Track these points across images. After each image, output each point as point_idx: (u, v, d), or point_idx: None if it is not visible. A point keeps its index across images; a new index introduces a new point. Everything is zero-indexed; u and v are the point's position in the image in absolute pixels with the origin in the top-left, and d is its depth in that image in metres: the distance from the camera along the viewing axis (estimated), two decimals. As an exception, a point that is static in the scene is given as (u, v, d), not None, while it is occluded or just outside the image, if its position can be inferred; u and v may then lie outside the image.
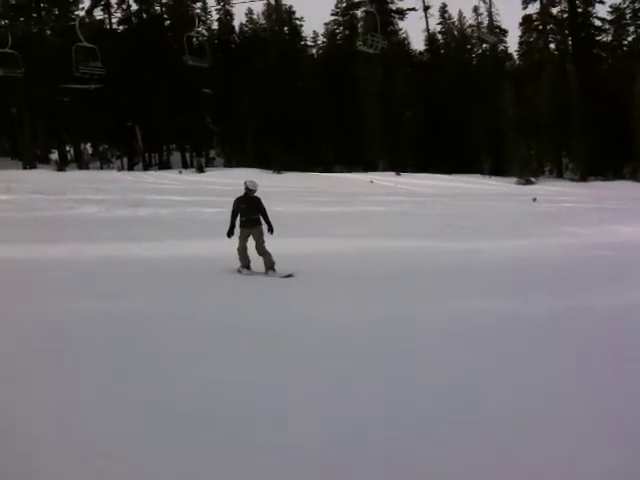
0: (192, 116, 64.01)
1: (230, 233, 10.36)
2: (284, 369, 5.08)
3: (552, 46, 65.85)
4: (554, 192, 38.50)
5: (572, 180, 54.45)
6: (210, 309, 7.26)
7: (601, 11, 64.63)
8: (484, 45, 70.51)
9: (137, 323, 6.42)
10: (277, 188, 30.50)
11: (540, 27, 64.72)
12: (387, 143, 58.55)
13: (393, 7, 66.91)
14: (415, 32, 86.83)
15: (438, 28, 72.25)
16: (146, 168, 62.09)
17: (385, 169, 55.90)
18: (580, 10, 64.13)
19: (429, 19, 70.44)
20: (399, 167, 54.49)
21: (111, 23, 67.39)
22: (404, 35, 69.24)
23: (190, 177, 47.58)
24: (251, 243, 10.23)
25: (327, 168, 58.34)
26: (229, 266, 10.22)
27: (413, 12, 68.33)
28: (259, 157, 59.65)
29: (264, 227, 10.30)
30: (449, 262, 11.53)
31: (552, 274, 10.31)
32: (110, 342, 5.73)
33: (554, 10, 64.45)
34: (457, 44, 70.65)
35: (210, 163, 67.16)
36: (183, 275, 9.75)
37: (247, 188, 10.44)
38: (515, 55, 71.56)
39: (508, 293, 8.52)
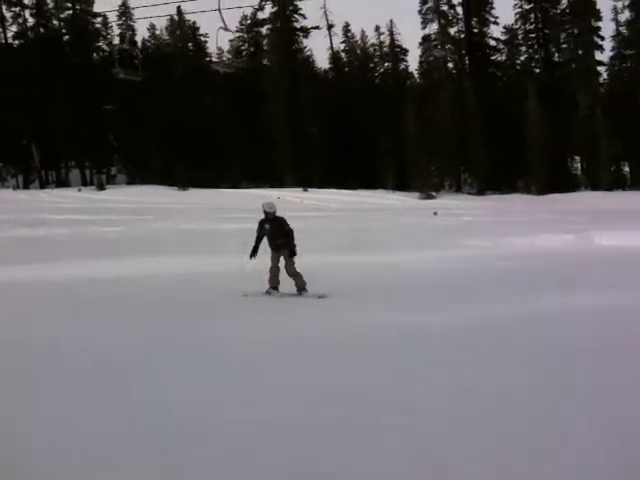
0: (93, 132, 61.94)
1: (252, 255, 9.73)
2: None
3: (450, 65, 68.71)
4: (454, 206, 39.88)
5: (470, 194, 56.77)
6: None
7: (495, 32, 68.29)
8: (385, 64, 72.65)
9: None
10: (182, 205, 29.88)
11: (439, 46, 67.32)
12: (294, 159, 58.96)
13: (297, 25, 67.68)
14: (320, 50, 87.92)
15: (342, 47, 73.79)
16: (43, 186, 59.51)
17: (292, 185, 56.20)
18: (476, 30, 67.34)
19: (333, 38, 71.75)
20: (306, 183, 54.89)
21: (6, 38, 64.37)
22: (309, 53, 70.20)
23: (90, 195, 45.91)
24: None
25: (234, 184, 57.98)
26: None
27: (317, 30, 69.36)
28: (164, 174, 58.47)
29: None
30: (358, 276, 11.52)
31: (453, 285, 10.50)
32: None
33: (452, 30, 67.42)
34: (360, 63, 72.37)
35: (111, 180, 65.18)
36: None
37: (264, 211, 9.64)
38: (416, 74, 74.08)
39: (417, 305, 8.57)
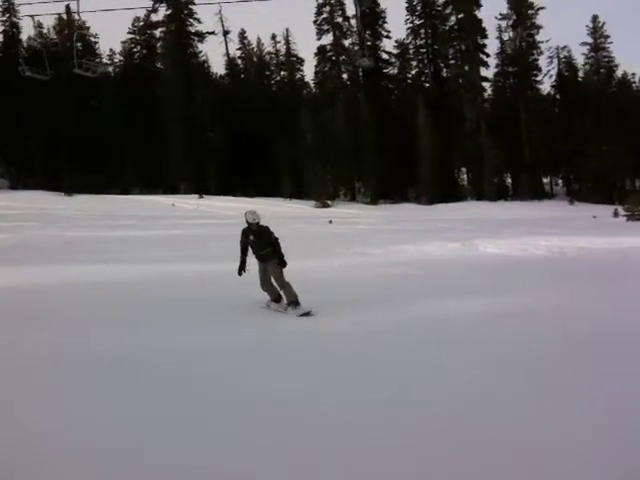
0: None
1: (241, 270, 9.02)
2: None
3: (345, 76, 70.08)
4: (348, 214, 40.60)
5: (364, 203, 58.08)
6: None
7: (388, 45, 70.49)
8: (282, 73, 73.13)
9: None
10: (68, 212, 28.52)
11: (333, 58, 68.55)
12: (189, 165, 57.96)
13: (192, 30, 66.75)
14: (216, 55, 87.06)
15: (238, 53, 73.59)
16: None
17: (187, 192, 55.20)
18: (369, 43, 69.09)
19: (229, 44, 71.39)
20: (202, 190, 54.06)
21: None
22: (204, 58, 69.43)
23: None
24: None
25: (125, 190, 56.15)
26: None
27: (213, 36, 68.75)
28: (50, 179, 55.61)
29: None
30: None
31: (348, 292, 10.62)
32: None
33: (346, 42, 68.86)
34: (257, 70, 72.39)
35: (-8, 185, 61.31)
36: None
37: (247, 221, 9.00)
38: (312, 83, 75.02)
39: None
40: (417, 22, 70.31)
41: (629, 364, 5.88)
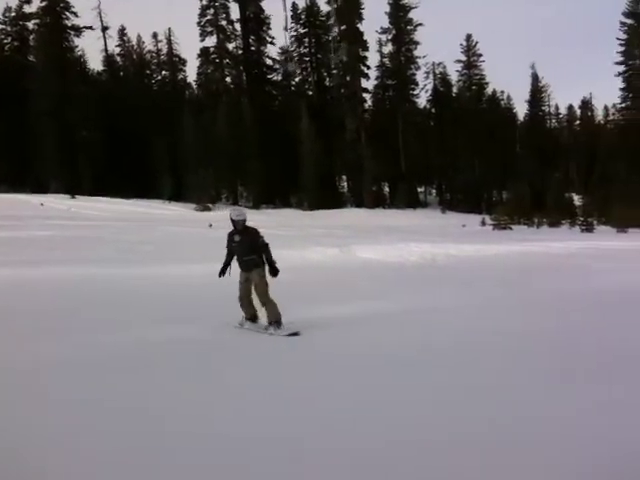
0: None
1: (221, 273, 8.03)
2: None
3: (228, 79, 69.52)
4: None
5: (246, 207, 57.79)
6: None
7: (272, 51, 70.78)
8: (163, 72, 71.43)
9: None
10: None
11: (217, 60, 67.87)
12: (61, 164, 55.00)
13: (69, 23, 63.51)
14: (93, 51, 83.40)
15: (117, 50, 71.04)
16: None
17: (58, 191, 52.36)
18: (253, 48, 69.10)
19: (108, 40, 68.66)
20: (74, 190, 51.40)
21: None
22: (81, 53, 66.35)
23: None
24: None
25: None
26: None
27: (91, 31, 65.85)
28: None
29: (265, 269, 7.83)
30: (132, 288, 11.04)
31: (209, 298, 10.46)
32: None
33: (230, 45, 68.37)
34: (136, 68, 70.16)
35: None
36: None
37: (231, 219, 7.90)
38: (194, 85, 73.77)
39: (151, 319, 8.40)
40: (301, 30, 71.29)
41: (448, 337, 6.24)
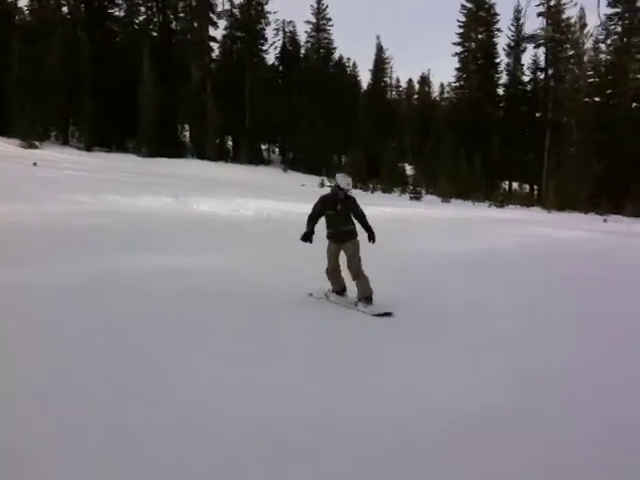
0: None
1: (306, 238, 7.30)
2: None
3: (65, 9, 63.94)
4: (58, 159, 37.60)
5: (78, 149, 54.23)
6: None
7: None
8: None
9: None
10: None
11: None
12: None
13: None
14: None
15: None
16: None
17: None
18: (92, -19, 63.88)
19: None
20: None
21: None
22: None
23: None
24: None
25: None
26: None
27: None
28: None
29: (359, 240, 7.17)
30: None
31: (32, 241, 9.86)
32: None
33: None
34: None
35: None
36: None
37: (338, 186, 7.12)
38: (25, 10, 66.94)
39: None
40: (148, -33, 67.07)
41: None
